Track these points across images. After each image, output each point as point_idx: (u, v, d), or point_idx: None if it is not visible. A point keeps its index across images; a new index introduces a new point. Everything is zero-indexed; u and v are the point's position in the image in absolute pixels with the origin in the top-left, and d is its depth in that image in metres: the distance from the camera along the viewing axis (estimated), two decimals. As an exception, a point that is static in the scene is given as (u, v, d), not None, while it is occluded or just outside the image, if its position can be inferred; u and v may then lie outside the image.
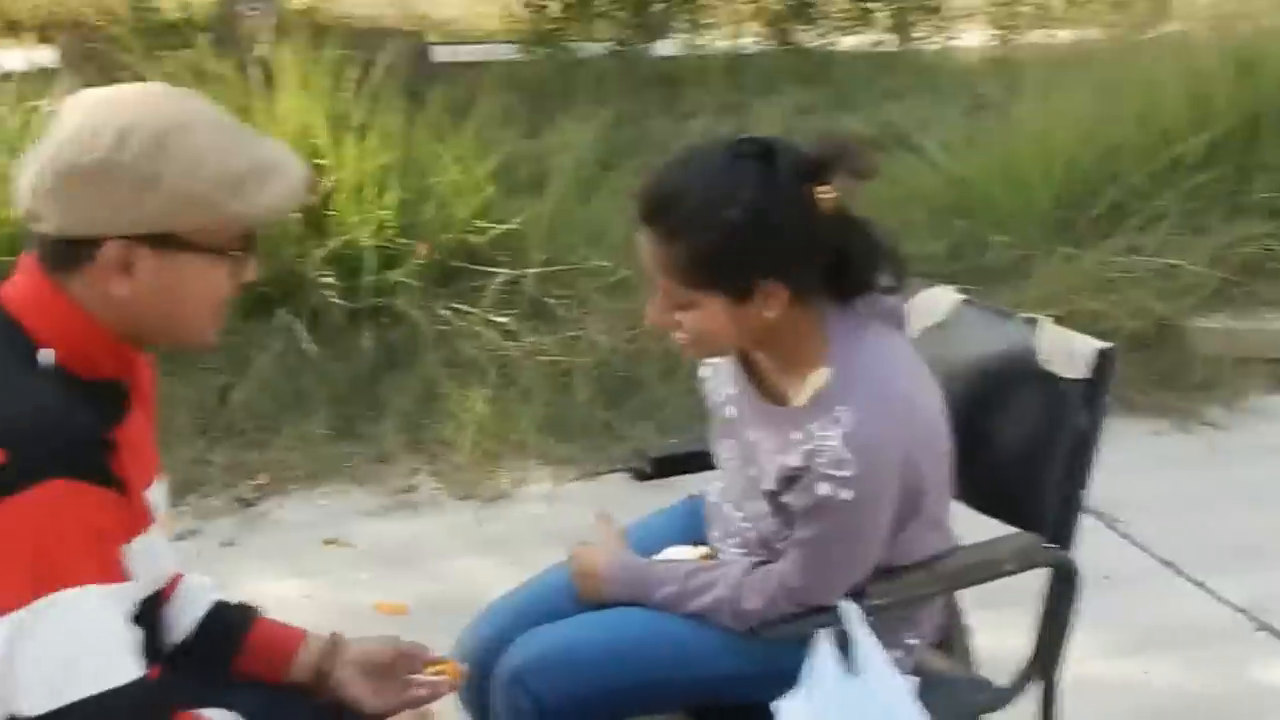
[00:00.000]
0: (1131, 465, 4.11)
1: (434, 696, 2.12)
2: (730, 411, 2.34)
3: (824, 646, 2.19)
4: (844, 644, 2.21)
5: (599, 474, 4.60)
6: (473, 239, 5.20)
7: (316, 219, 5.08)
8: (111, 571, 1.68)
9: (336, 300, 4.91)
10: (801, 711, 2.16)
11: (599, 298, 5.20)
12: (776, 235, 2.05)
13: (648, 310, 2.19)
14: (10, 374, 1.71)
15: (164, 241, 1.73)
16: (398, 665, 2.13)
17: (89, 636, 1.65)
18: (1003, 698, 2.53)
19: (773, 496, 2.21)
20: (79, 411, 1.72)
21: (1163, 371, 5.34)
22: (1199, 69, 6.44)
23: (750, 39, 10.47)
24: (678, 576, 2.30)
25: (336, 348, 4.89)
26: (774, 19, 10.42)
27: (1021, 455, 2.53)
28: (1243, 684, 3.57)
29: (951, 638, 2.63)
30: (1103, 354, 2.45)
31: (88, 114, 1.72)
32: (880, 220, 2.22)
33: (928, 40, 10.75)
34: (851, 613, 2.21)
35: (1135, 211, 5.98)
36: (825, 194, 2.05)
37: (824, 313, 2.17)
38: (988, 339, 2.59)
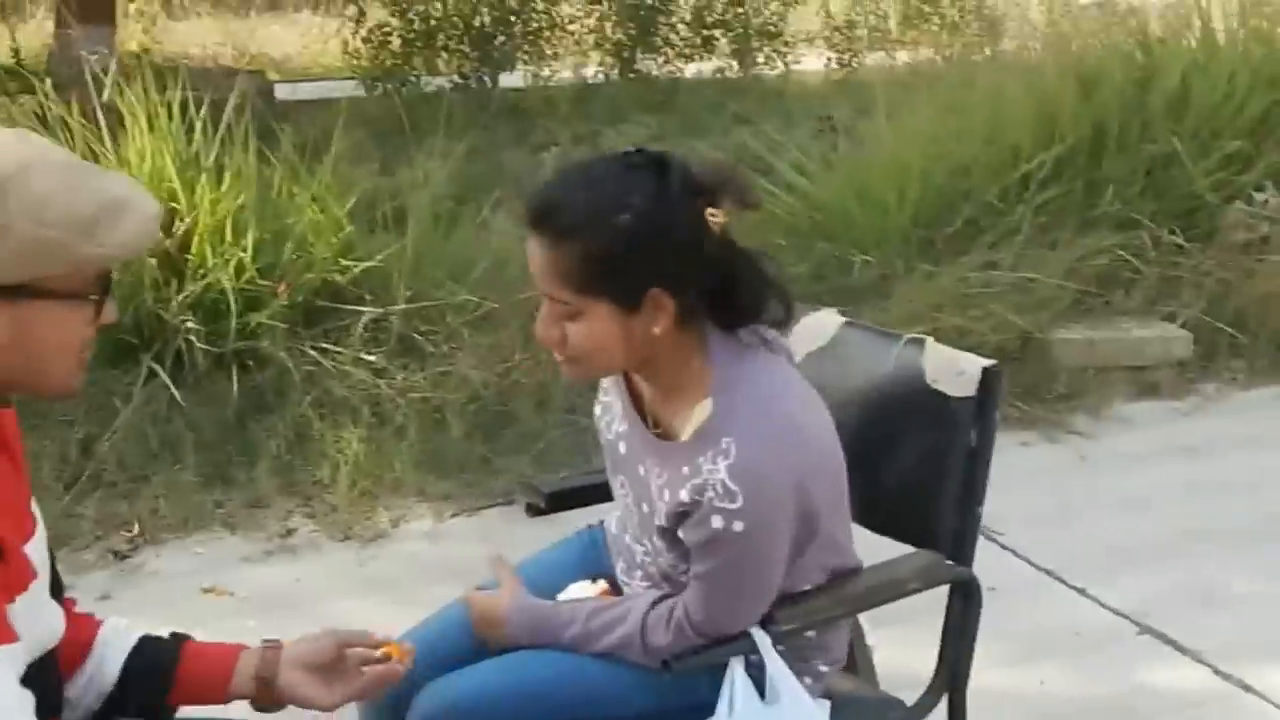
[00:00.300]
0: (1004, 477, 4.16)
1: (390, 679, 2.06)
2: (622, 448, 2.31)
3: (738, 675, 2.18)
4: (756, 672, 2.21)
5: (480, 509, 4.57)
6: (335, 278, 5.13)
7: (174, 263, 4.98)
8: (6, 632, 1.62)
9: (201, 345, 4.80)
10: None
11: (467, 332, 5.16)
12: (667, 243, 2.02)
13: (536, 324, 2.12)
14: None
15: (16, 292, 1.66)
16: (343, 657, 2.05)
17: None
18: (913, 715, 2.53)
19: (666, 533, 2.19)
20: None
21: (1027, 384, 5.46)
22: (1044, 87, 6.61)
23: (594, 69, 10.53)
24: (581, 617, 2.27)
25: (202, 393, 4.78)
26: (617, 48, 10.46)
27: (916, 475, 2.55)
28: (1130, 686, 3.65)
29: (855, 658, 2.63)
30: (989, 371, 2.49)
31: None
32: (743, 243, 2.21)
33: (769, 66, 10.88)
34: (762, 640, 2.20)
35: (989, 228, 6.13)
36: (714, 216, 2.05)
37: (707, 340, 2.14)
38: (875, 361, 2.61)
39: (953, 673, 2.57)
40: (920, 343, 2.56)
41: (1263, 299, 6.05)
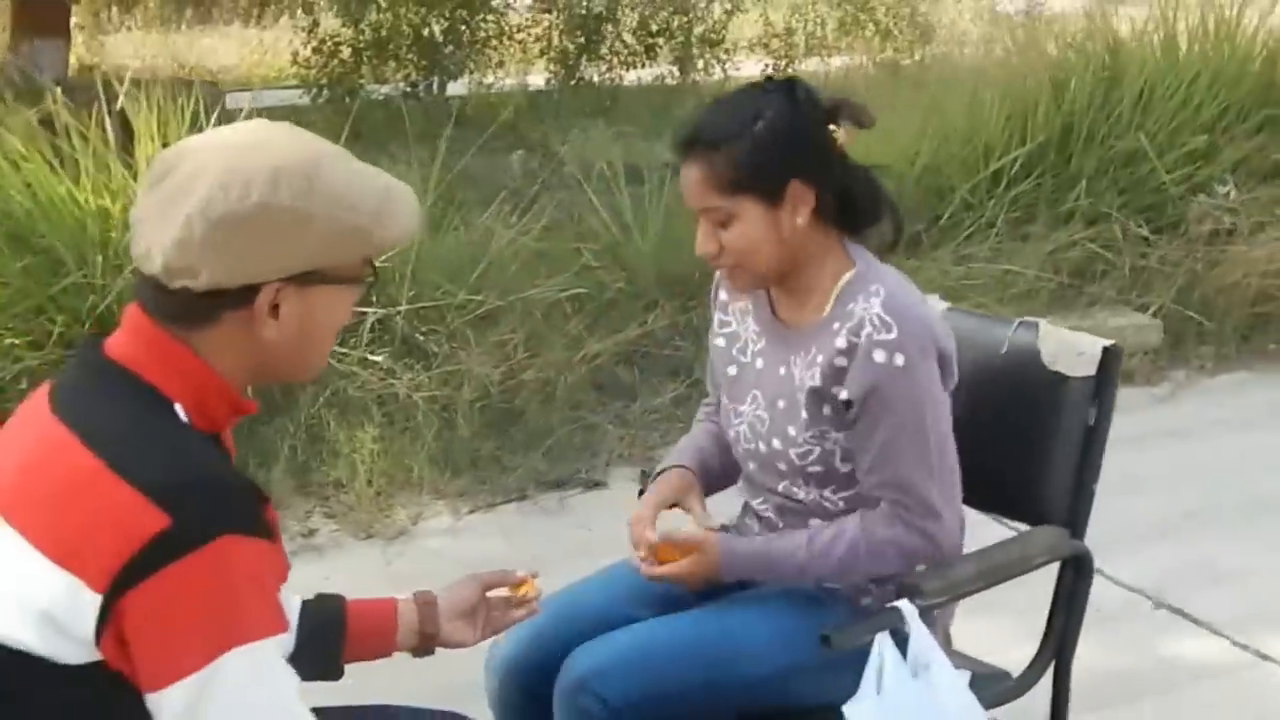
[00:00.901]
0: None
1: (528, 614, 2.24)
2: (759, 364, 2.46)
3: (887, 653, 2.21)
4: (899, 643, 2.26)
5: (495, 505, 4.64)
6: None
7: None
8: (279, 620, 1.66)
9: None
10: (871, 713, 2.19)
11: (469, 332, 5.20)
12: (800, 140, 2.29)
13: (697, 243, 2.35)
14: (156, 433, 1.66)
15: (306, 279, 1.71)
16: (485, 598, 2.21)
17: (269, 690, 1.64)
18: (1019, 687, 2.61)
19: (817, 404, 2.33)
20: (227, 466, 1.71)
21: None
22: (1014, 88, 6.78)
23: (541, 77, 10.58)
24: (801, 543, 2.36)
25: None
26: (561, 56, 10.51)
27: (1031, 455, 2.63)
28: (1154, 658, 3.77)
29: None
30: (1108, 350, 2.58)
31: (224, 161, 1.67)
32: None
33: (708, 73, 10.98)
34: (910, 612, 2.25)
35: (963, 223, 6.26)
36: (836, 132, 2.33)
37: (842, 243, 2.39)
38: (986, 345, 2.67)
39: (1060, 645, 2.66)
40: (1034, 326, 2.64)
41: (1228, 288, 6.24)
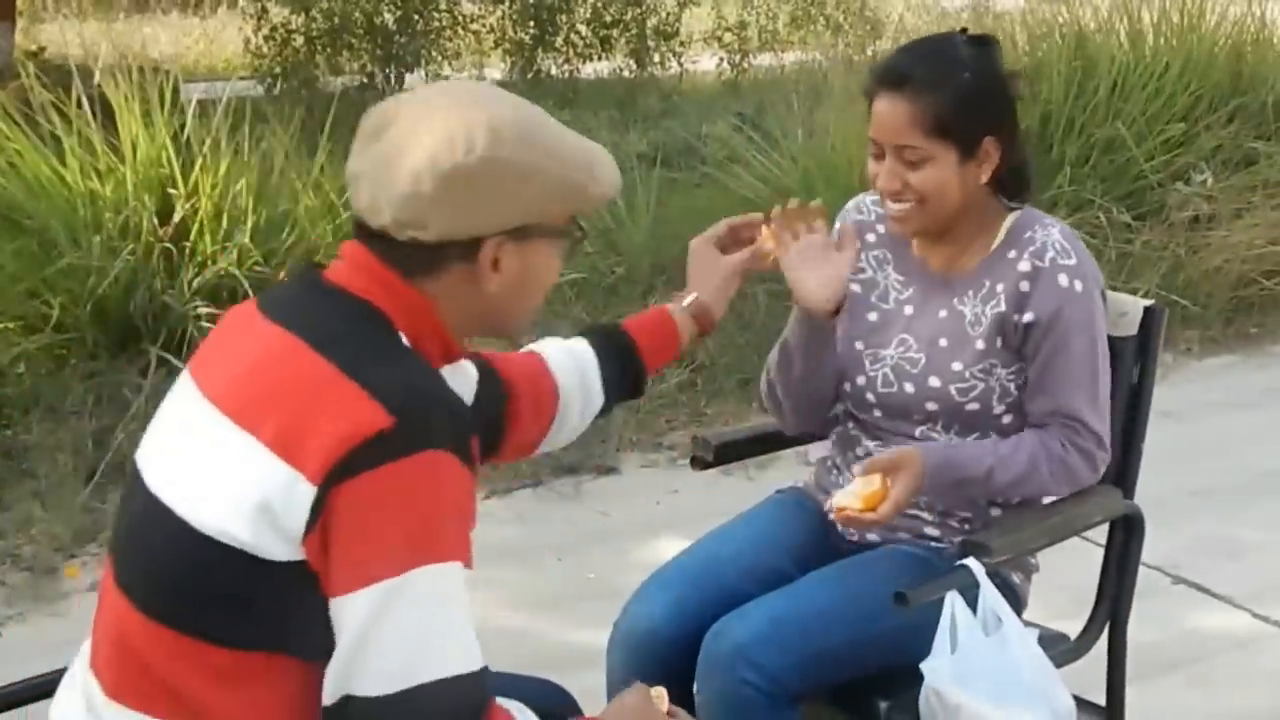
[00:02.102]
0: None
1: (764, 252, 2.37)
2: (909, 310, 2.52)
3: (959, 611, 2.25)
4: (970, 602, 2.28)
5: (511, 490, 4.60)
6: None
7: (172, 250, 4.90)
8: (469, 551, 1.68)
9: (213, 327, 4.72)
10: (949, 668, 2.22)
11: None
12: (999, 98, 2.41)
13: (881, 178, 2.40)
14: (385, 346, 1.70)
15: (525, 233, 1.75)
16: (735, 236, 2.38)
17: (449, 615, 1.64)
18: (1078, 649, 2.63)
19: (997, 333, 2.41)
20: (450, 390, 1.72)
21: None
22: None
23: (497, 69, 10.52)
24: (989, 450, 2.41)
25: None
26: (518, 47, 10.46)
27: None
28: (1177, 631, 3.82)
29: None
30: (1150, 311, 2.62)
31: (444, 117, 1.71)
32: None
33: (664, 66, 10.98)
34: (979, 570, 2.28)
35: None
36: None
37: (1000, 201, 2.48)
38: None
39: (1114, 607, 2.67)
40: None
41: (1211, 273, 6.35)
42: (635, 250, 5.78)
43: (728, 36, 11.54)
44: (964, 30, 2.46)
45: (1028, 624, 2.39)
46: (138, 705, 1.70)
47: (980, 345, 2.43)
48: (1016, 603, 2.49)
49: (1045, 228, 2.42)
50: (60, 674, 1.90)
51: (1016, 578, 2.54)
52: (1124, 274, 6.18)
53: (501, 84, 10.26)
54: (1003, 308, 2.41)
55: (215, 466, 1.67)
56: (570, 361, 2.21)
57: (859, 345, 2.54)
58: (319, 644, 1.63)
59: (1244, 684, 3.58)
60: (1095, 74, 6.90)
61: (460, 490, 1.65)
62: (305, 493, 1.59)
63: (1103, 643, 2.68)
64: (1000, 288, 2.42)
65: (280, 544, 1.61)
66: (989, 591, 2.28)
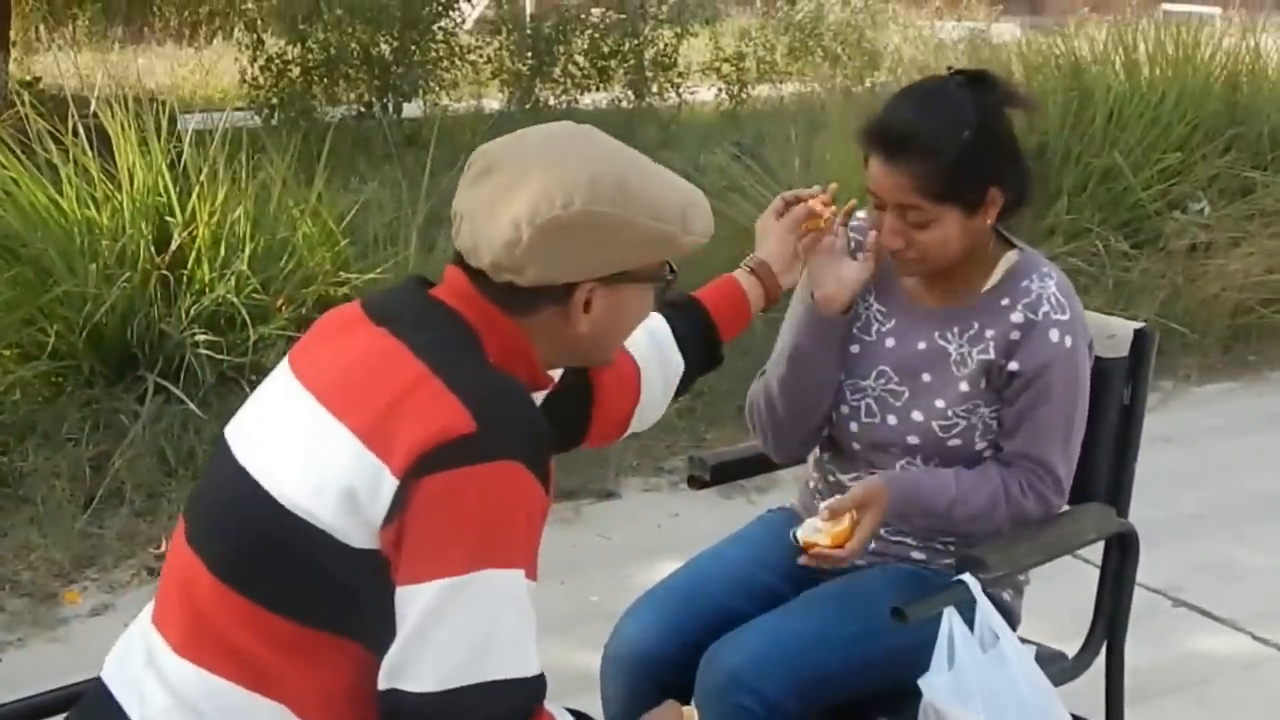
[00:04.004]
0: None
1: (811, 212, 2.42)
2: (890, 342, 2.50)
3: (956, 628, 2.27)
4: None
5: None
6: (333, 291, 5.08)
7: (170, 279, 4.91)
8: (535, 565, 1.75)
9: (213, 355, 4.73)
10: (947, 685, 2.24)
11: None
12: (999, 145, 2.36)
13: (883, 235, 2.37)
14: (478, 359, 1.79)
15: (617, 279, 1.84)
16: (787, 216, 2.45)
17: (507, 621, 1.71)
18: (1076, 668, 2.64)
19: (982, 376, 2.40)
20: (537, 408, 1.81)
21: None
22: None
23: (495, 100, 10.56)
24: (950, 482, 2.40)
25: (211, 407, 4.69)
26: (515, 79, 10.50)
27: None
28: (1178, 653, 3.84)
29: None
30: (1140, 333, 2.65)
31: (546, 167, 1.79)
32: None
33: (662, 97, 11.03)
34: (975, 587, 2.30)
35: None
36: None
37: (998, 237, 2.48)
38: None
39: (1111, 625, 2.69)
40: None
41: (1209, 301, 6.38)
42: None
43: (726, 67, 11.60)
44: (959, 72, 2.40)
45: (1024, 641, 2.40)
46: (201, 661, 1.77)
47: (965, 387, 2.42)
48: (1009, 619, 2.49)
49: (1043, 279, 2.40)
50: (89, 683, 1.95)
51: (1008, 595, 2.55)
52: (1122, 302, 6.19)
53: (499, 115, 10.28)
54: (991, 355, 2.40)
55: (307, 449, 1.75)
56: (645, 336, 2.25)
57: (840, 375, 2.54)
58: (382, 634, 1.69)
59: (1245, 707, 3.59)
60: (1091, 104, 6.94)
61: (533, 503, 1.72)
62: (389, 484, 1.67)
63: (1103, 663, 2.69)
64: (990, 334, 2.41)
65: (360, 530, 1.68)
66: (985, 608, 2.30)
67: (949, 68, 2.42)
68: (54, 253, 4.85)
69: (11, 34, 10.70)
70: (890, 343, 2.50)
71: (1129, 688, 3.42)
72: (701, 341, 2.35)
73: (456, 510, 1.67)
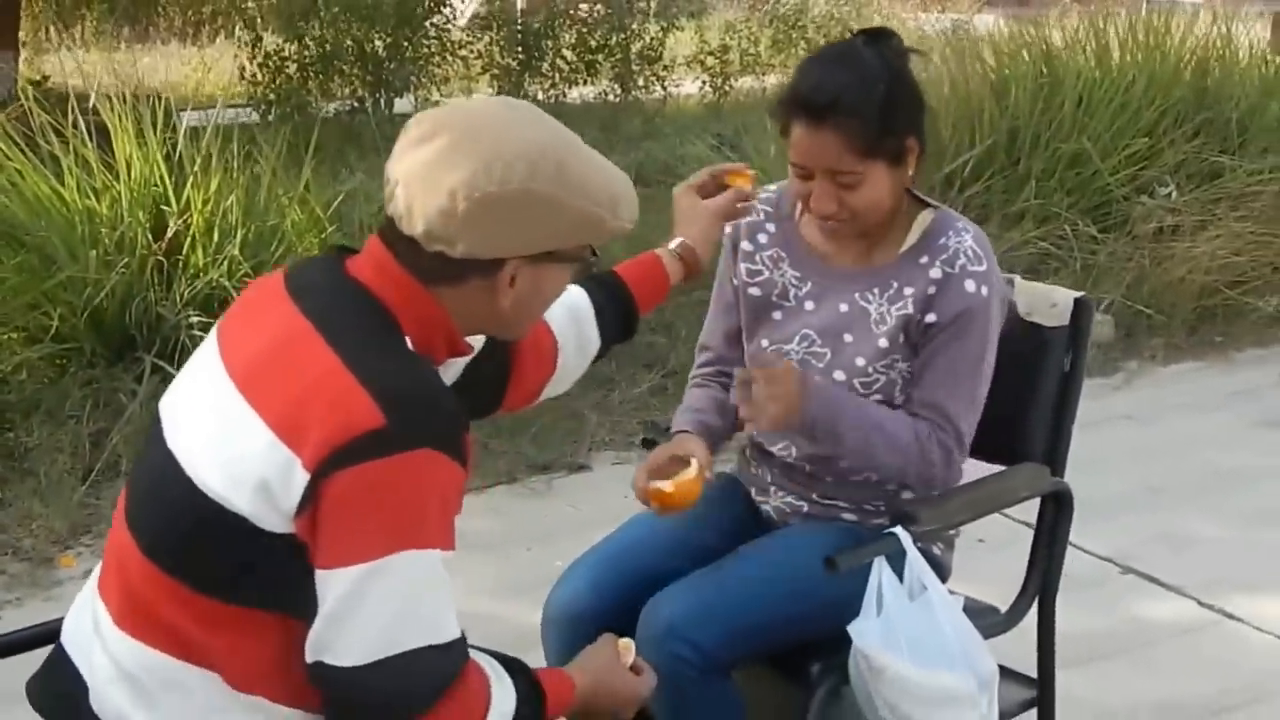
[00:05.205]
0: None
1: (744, 196, 2.50)
2: (809, 305, 2.58)
3: (885, 576, 2.35)
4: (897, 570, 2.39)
5: (486, 487, 4.77)
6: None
7: (166, 264, 5.10)
8: (451, 539, 1.80)
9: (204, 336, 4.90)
10: (875, 631, 2.32)
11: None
12: (912, 94, 2.44)
13: (816, 202, 2.44)
14: (389, 347, 1.82)
15: (545, 257, 1.86)
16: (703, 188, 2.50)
17: (424, 596, 1.77)
18: (1008, 621, 2.75)
19: (901, 332, 2.47)
20: (445, 390, 1.84)
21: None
22: (959, 95, 7.01)
23: (484, 94, 10.70)
24: (868, 404, 2.49)
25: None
26: (505, 73, 10.65)
27: (1013, 400, 2.75)
28: (1124, 618, 3.97)
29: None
30: (1079, 302, 2.74)
31: (484, 140, 1.80)
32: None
33: (648, 90, 11.17)
34: (906, 539, 2.38)
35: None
36: None
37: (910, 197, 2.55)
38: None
39: (1044, 579, 2.79)
40: (1011, 282, 2.78)
41: (1175, 283, 6.48)
42: (607, 259, 5.93)
43: (710, 60, 11.72)
44: (864, 32, 2.47)
45: (953, 593, 2.48)
46: (136, 634, 1.84)
47: (884, 343, 2.49)
48: (940, 572, 2.57)
49: (959, 234, 2.47)
50: (59, 623, 2.04)
51: (938, 549, 2.63)
52: (1089, 284, 6.30)
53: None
54: (909, 310, 2.47)
55: (225, 438, 1.78)
56: (564, 311, 2.29)
57: (765, 343, 2.62)
58: (307, 606, 1.75)
59: (1188, 669, 3.69)
60: (1062, 90, 7.04)
61: (446, 484, 1.76)
62: (301, 478, 1.71)
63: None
64: (909, 291, 2.47)
65: (275, 516, 1.73)
66: (915, 559, 2.37)
67: (849, 29, 2.53)
68: (57, 240, 5.04)
69: (21, 35, 10.88)
70: (810, 305, 2.57)
71: (1073, 651, 3.50)
72: (620, 315, 2.38)
73: (368, 502, 1.71)
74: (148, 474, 1.90)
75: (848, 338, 2.53)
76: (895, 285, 2.49)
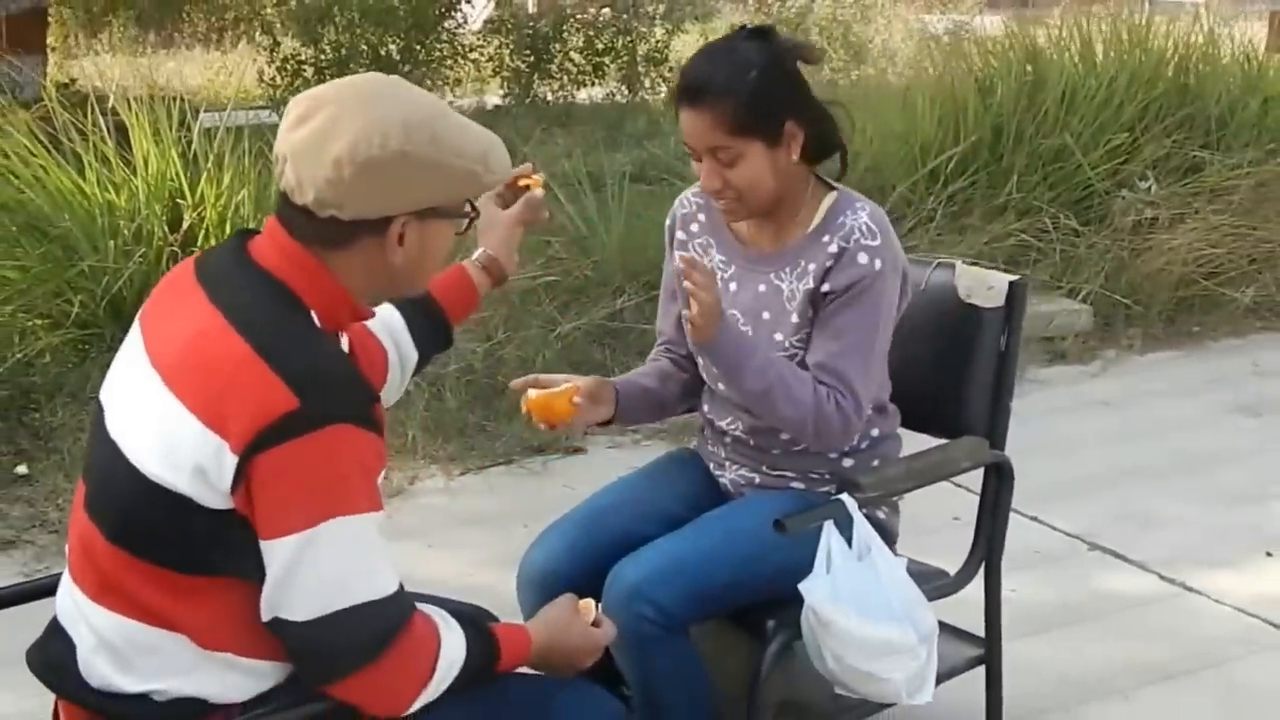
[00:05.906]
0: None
1: (536, 202, 2.65)
2: (734, 286, 2.75)
3: (833, 538, 2.53)
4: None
5: (485, 467, 4.99)
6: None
7: (185, 254, 5.32)
8: (377, 502, 1.97)
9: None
10: (824, 589, 2.50)
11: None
12: (789, 82, 2.61)
13: (701, 181, 2.64)
14: (296, 329, 1.98)
15: (428, 214, 2.02)
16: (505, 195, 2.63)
17: (361, 555, 1.95)
18: (955, 584, 2.90)
19: (809, 306, 2.63)
20: (354, 366, 2.03)
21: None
22: (945, 93, 7.20)
23: (496, 95, 10.93)
24: (771, 378, 2.60)
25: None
26: (514, 75, 10.86)
27: (953, 377, 2.97)
28: (1089, 591, 4.13)
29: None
30: (1015, 284, 2.93)
31: (361, 110, 1.95)
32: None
33: (654, 91, 11.38)
34: (851, 505, 2.56)
35: (903, 217, 6.66)
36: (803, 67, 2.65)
37: (814, 172, 2.71)
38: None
39: (989, 545, 2.97)
40: (951, 266, 2.99)
41: (1153, 275, 6.63)
42: (607, 255, 6.17)
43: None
44: (745, 27, 2.65)
45: (899, 555, 2.67)
46: (112, 607, 2.02)
47: (795, 319, 2.66)
48: (886, 536, 2.75)
49: (855, 212, 2.63)
50: (56, 578, 2.23)
51: (883, 513, 2.81)
52: (1068, 275, 6.49)
53: (500, 109, 10.61)
54: (811, 284, 2.63)
55: (160, 427, 1.93)
56: (380, 326, 2.47)
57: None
58: (258, 570, 1.93)
59: (1144, 636, 3.83)
60: (1046, 88, 7.19)
61: (364, 453, 1.93)
62: (230, 461, 1.87)
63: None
64: (812, 267, 2.63)
65: (215, 496, 1.90)
66: (861, 524, 2.55)
67: (733, 25, 2.68)
68: (78, 232, 5.32)
69: (50, 40, 11.14)
70: (734, 287, 2.75)
71: (1036, 620, 3.78)
72: (431, 327, 2.55)
73: (295, 477, 1.87)
74: (98, 463, 2.05)
75: (765, 315, 2.71)
76: (801, 263, 2.66)
